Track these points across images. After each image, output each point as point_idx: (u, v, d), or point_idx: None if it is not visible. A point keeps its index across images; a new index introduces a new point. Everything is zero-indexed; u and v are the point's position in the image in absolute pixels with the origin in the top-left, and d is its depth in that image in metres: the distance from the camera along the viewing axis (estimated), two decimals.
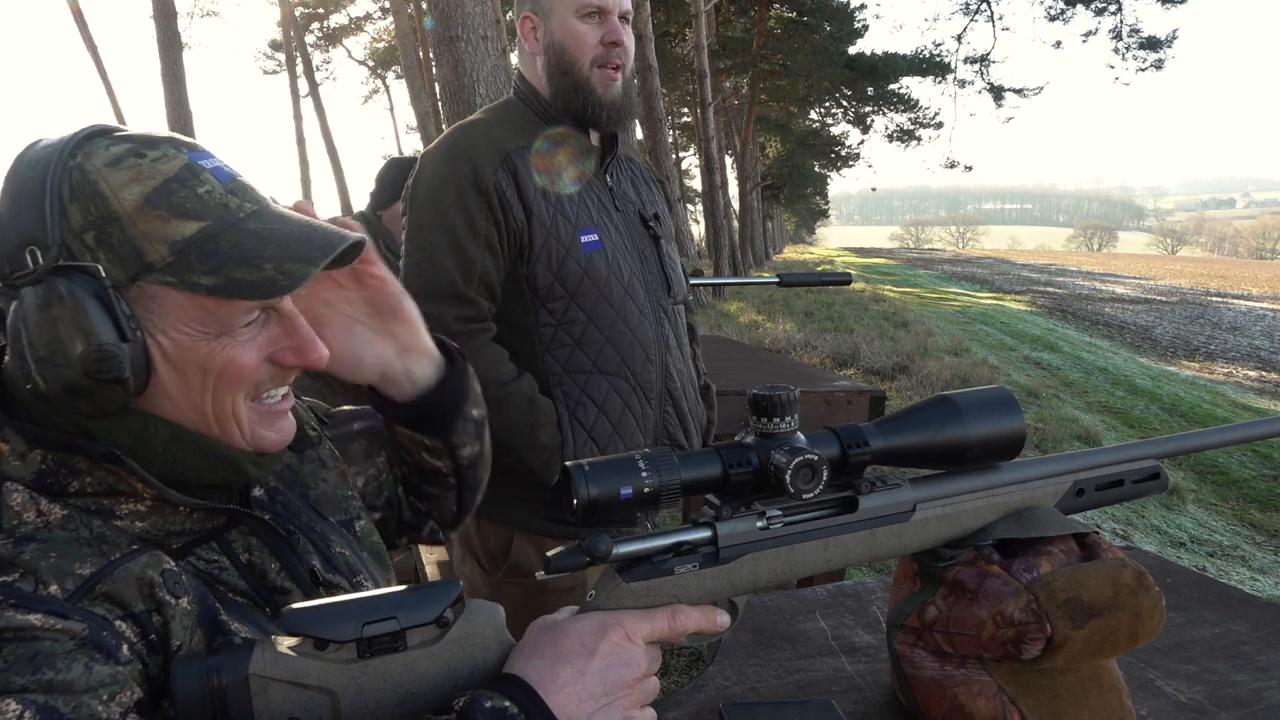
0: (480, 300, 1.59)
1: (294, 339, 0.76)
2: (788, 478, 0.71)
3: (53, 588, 0.64)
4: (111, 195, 0.68)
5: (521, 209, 1.59)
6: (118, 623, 0.66)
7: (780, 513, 0.77)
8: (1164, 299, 20.76)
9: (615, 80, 1.62)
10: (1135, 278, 31.35)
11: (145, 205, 0.68)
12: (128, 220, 0.67)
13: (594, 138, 1.71)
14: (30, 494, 0.69)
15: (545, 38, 1.63)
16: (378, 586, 0.91)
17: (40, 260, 0.66)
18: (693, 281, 2.17)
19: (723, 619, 0.75)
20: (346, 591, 0.85)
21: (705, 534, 0.75)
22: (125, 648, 0.65)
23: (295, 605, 0.67)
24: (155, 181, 0.69)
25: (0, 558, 0.64)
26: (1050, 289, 23.66)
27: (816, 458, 0.72)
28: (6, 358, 0.71)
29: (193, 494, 0.75)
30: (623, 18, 1.62)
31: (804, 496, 0.73)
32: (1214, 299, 21.40)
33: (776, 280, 2.59)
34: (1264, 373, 10.15)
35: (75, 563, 0.66)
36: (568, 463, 0.68)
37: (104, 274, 0.67)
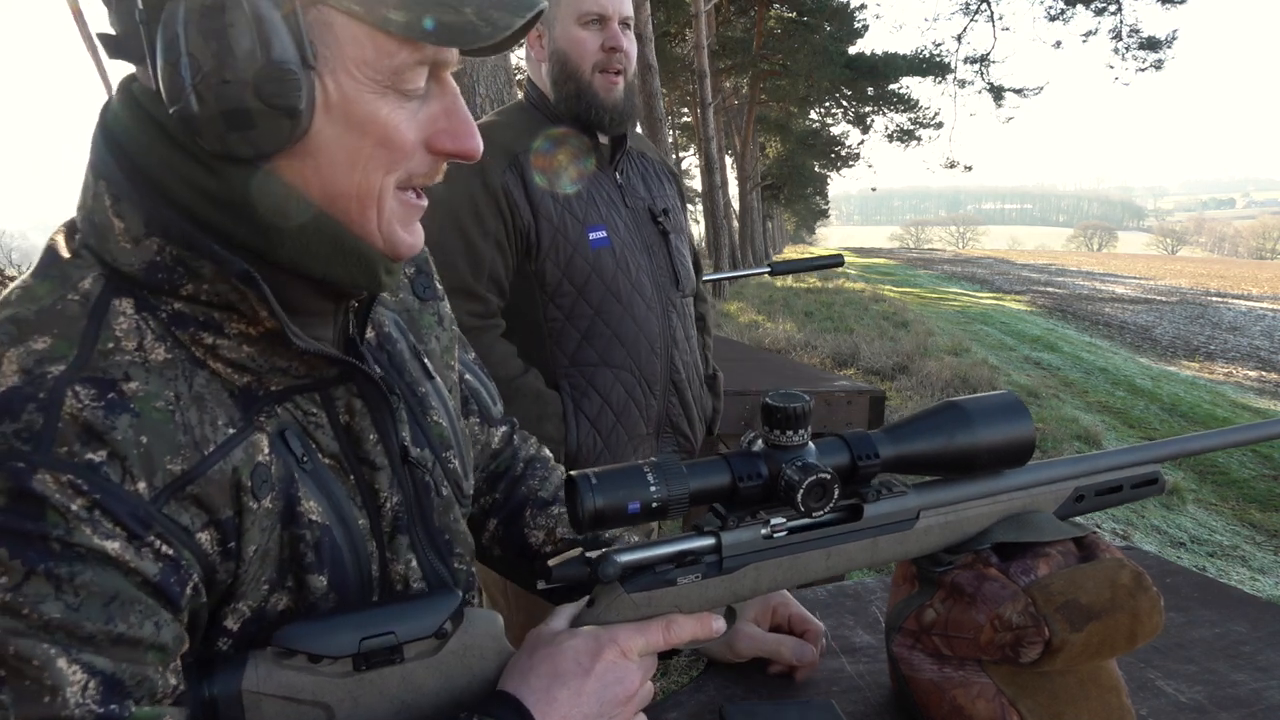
0: (490, 296, 1.64)
1: (452, 121, 0.67)
2: (799, 496, 0.70)
3: (140, 484, 0.57)
4: None
5: (528, 208, 1.63)
6: (199, 534, 0.60)
7: (784, 520, 0.77)
8: (1164, 299, 20.75)
9: (616, 84, 1.67)
10: (1135, 278, 31.33)
11: None
12: None
13: (603, 137, 1.75)
14: (139, 320, 0.61)
15: (550, 45, 1.68)
16: (464, 466, 0.85)
17: None
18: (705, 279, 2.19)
19: (718, 624, 0.75)
20: (429, 471, 0.79)
21: (709, 543, 0.74)
22: (189, 589, 0.60)
23: (289, 623, 0.66)
24: None
25: (90, 423, 0.56)
26: (1050, 289, 23.65)
27: (829, 476, 0.71)
28: (158, 77, 0.58)
29: (311, 308, 0.69)
30: (623, 23, 1.66)
31: (814, 515, 0.72)
32: (1214, 299, 21.39)
33: (768, 270, 2.60)
34: (1264, 373, 10.14)
35: (167, 455, 0.59)
36: (572, 472, 0.67)
37: None
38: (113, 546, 0.55)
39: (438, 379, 0.85)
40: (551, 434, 1.63)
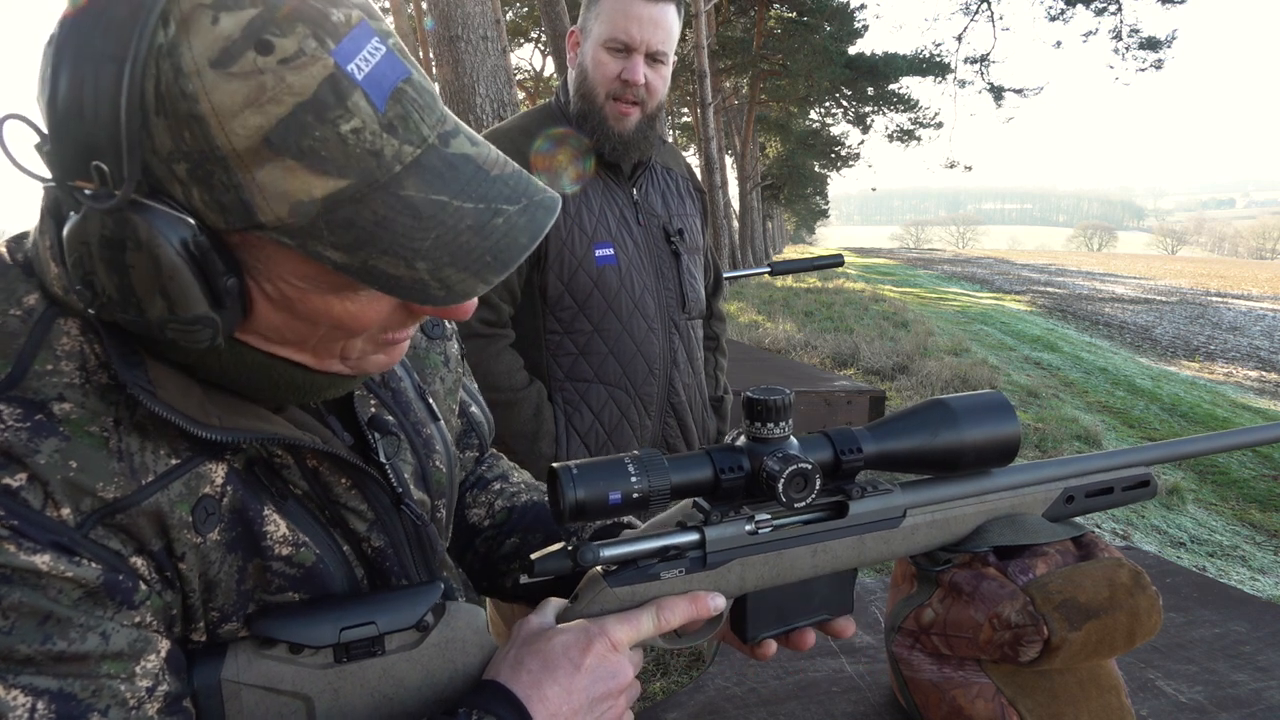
0: (502, 305, 1.64)
1: None
2: (780, 486, 0.70)
3: (65, 510, 0.53)
4: (216, 125, 0.48)
5: None
6: (132, 558, 0.57)
7: (769, 517, 0.76)
8: (1164, 299, 20.75)
9: (629, 115, 1.64)
10: (1135, 278, 31.33)
11: (264, 146, 0.49)
12: (236, 163, 0.49)
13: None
14: (84, 343, 0.57)
15: (580, 57, 1.66)
16: (449, 515, 0.83)
17: (109, 182, 0.49)
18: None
19: (716, 601, 0.74)
20: (430, 514, 0.77)
21: (693, 538, 0.74)
22: (143, 585, 0.57)
23: (269, 612, 0.65)
24: (282, 109, 0.48)
25: (10, 445, 0.52)
26: (1050, 289, 23.65)
27: (810, 466, 0.71)
28: (66, 259, 0.53)
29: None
30: (651, 56, 1.61)
31: (796, 505, 0.72)
32: (1214, 299, 21.39)
33: (768, 270, 2.60)
34: (1264, 373, 10.14)
35: (99, 481, 0.55)
36: (554, 464, 0.67)
37: (197, 225, 0.51)
38: (43, 560, 0.52)
39: (442, 422, 0.82)
40: (545, 452, 1.63)
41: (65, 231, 0.52)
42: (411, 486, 0.76)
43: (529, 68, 25.39)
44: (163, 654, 0.58)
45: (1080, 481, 0.90)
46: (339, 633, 0.64)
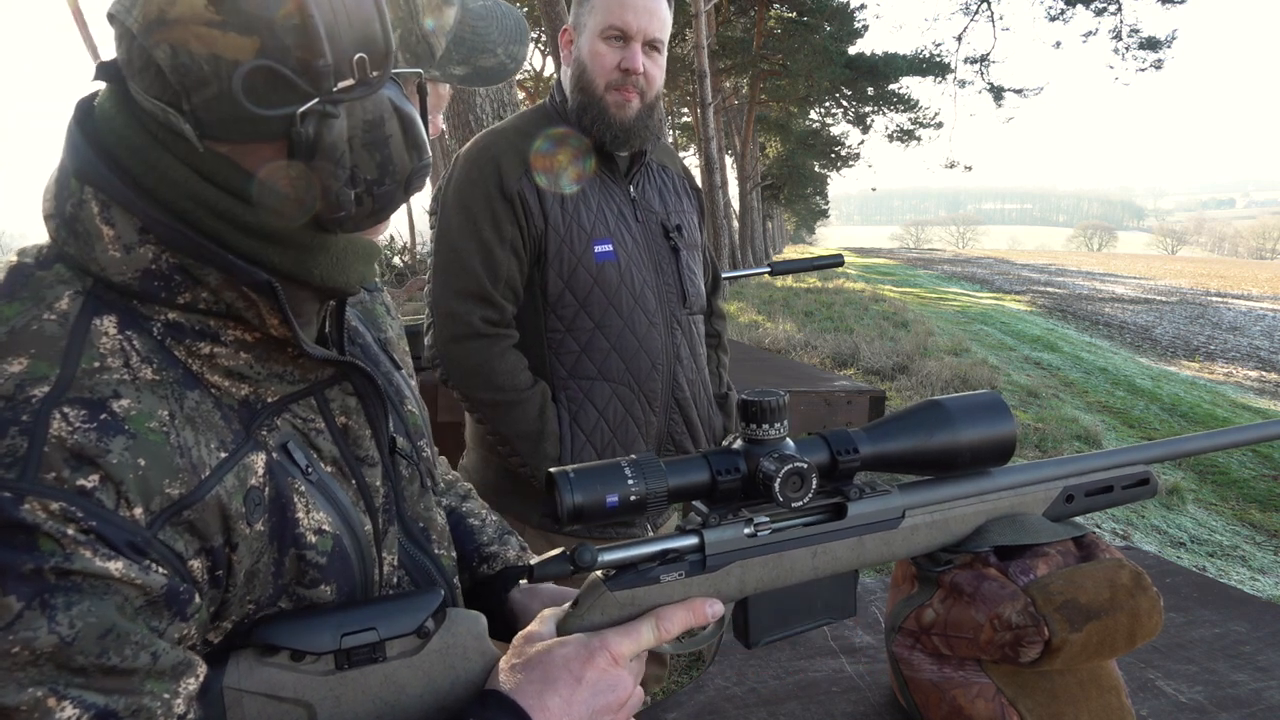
0: (505, 304, 1.64)
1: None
2: (776, 486, 0.71)
3: (136, 510, 0.54)
4: None
5: (541, 217, 1.63)
6: (191, 561, 0.58)
7: (768, 519, 0.77)
8: (1164, 299, 20.75)
9: (629, 103, 1.64)
10: (1135, 278, 31.33)
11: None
12: (422, 10, 0.65)
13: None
14: (123, 340, 0.58)
15: (575, 51, 1.67)
16: (434, 453, 0.87)
17: (368, 70, 0.58)
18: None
19: (714, 608, 0.74)
20: (413, 461, 0.81)
21: (692, 541, 0.74)
22: (197, 597, 0.59)
23: (270, 619, 0.65)
24: None
25: (81, 447, 0.53)
26: (1050, 289, 23.66)
27: (805, 465, 0.71)
28: (324, 180, 0.59)
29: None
30: (649, 44, 1.63)
31: (793, 505, 0.72)
32: (1214, 299, 21.39)
33: (768, 270, 2.60)
34: (1264, 373, 10.14)
35: (165, 478, 0.56)
36: (552, 469, 0.67)
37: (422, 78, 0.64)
38: (115, 567, 0.53)
39: (404, 370, 0.86)
40: (549, 452, 1.63)
41: (327, 142, 0.58)
42: (394, 434, 0.79)
43: (529, 67, 25.37)
44: (200, 678, 0.59)
45: (1080, 480, 0.90)
46: (340, 639, 0.64)
